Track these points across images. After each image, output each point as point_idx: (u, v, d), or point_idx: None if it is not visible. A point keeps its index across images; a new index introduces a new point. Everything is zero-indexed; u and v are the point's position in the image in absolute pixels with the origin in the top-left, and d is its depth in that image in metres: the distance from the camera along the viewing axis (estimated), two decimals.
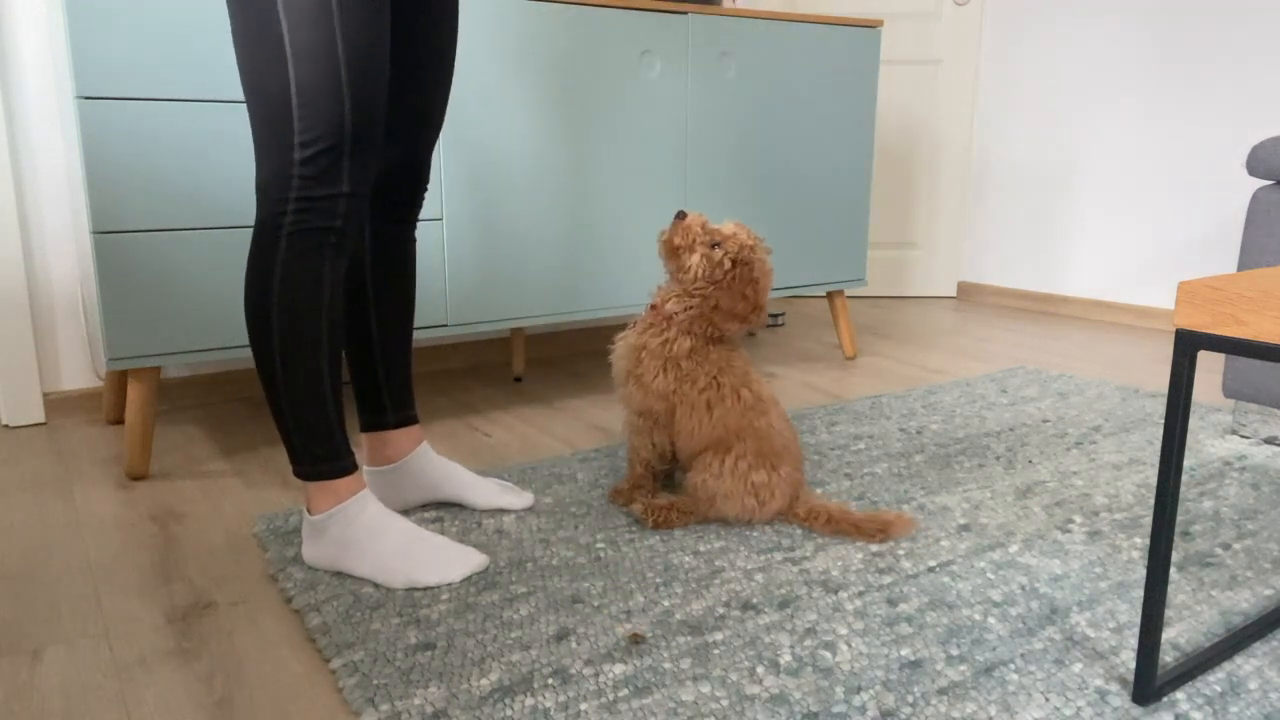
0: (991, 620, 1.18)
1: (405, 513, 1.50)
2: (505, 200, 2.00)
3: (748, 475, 1.41)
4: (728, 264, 1.45)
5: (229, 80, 1.65)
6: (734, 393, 1.45)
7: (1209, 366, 2.60)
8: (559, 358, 2.67)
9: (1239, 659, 1.09)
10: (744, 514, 1.43)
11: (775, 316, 3.18)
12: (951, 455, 1.80)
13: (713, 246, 1.46)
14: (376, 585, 1.26)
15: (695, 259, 1.45)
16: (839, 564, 1.33)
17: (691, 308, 1.47)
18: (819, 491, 1.61)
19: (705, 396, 1.44)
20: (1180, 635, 1.15)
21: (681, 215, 1.49)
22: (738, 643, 1.12)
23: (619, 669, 1.06)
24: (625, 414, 1.53)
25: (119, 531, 1.46)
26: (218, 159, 1.66)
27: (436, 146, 1.89)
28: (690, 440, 1.46)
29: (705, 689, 1.03)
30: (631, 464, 1.53)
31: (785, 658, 1.09)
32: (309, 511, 1.29)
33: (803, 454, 1.51)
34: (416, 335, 1.92)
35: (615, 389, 1.53)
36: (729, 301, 1.44)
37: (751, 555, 1.36)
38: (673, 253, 1.49)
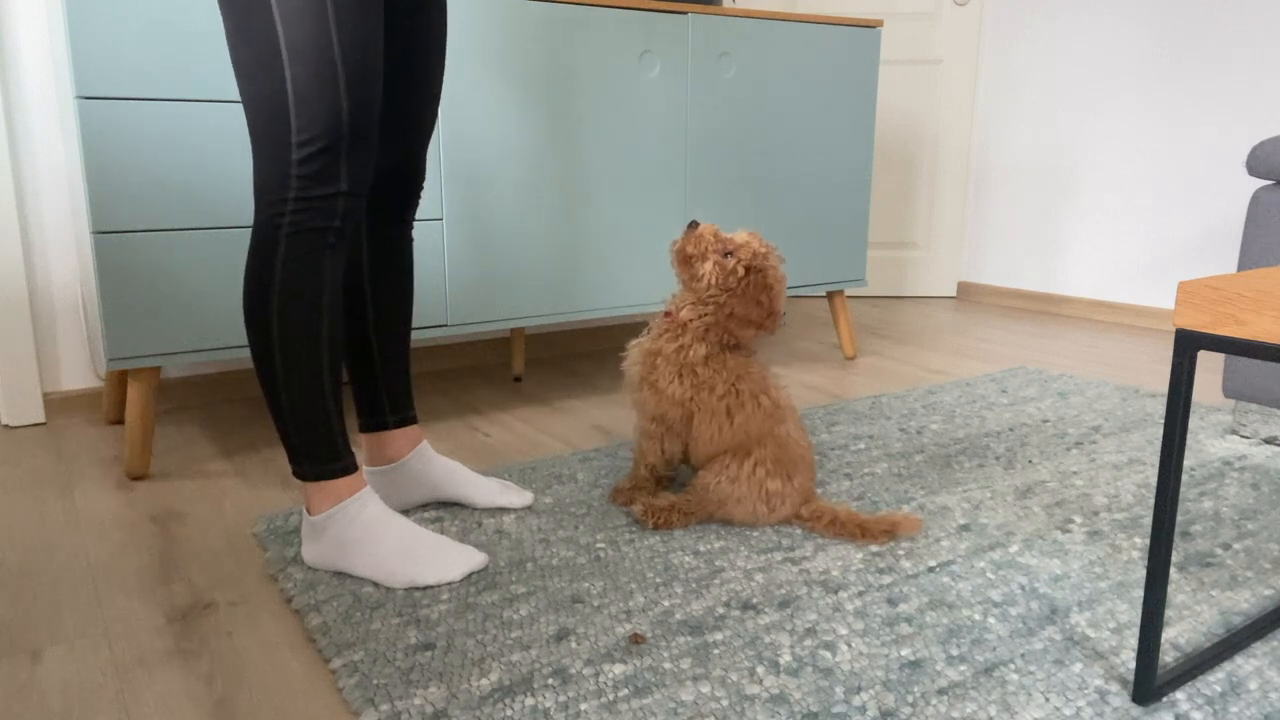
0: (991, 620, 1.18)
1: (405, 512, 1.50)
2: (505, 200, 2.00)
3: (764, 483, 1.42)
4: (740, 271, 1.45)
5: (229, 80, 1.65)
6: (753, 399, 1.45)
7: (1209, 366, 2.60)
8: (559, 358, 2.67)
9: (1239, 659, 1.09)
10: (752, 519, 1.44)
11: None
12: (951, 455, 1.80)
13: (725, 255, 1.46)
14: (376, 585, 1.26)
15: (708, 267, 1.46)
16: (839, 564, 1.33)
17: (706, 315, 1.47)
18: (818, 492, 1.60)
19: (725, 403, 1.45)
20: (1180, 635, 1.15)
21: (694, 225, 1.50)
22: (738, 643, 1.12)
23: (619, 669, 1.06)
24: (637, 419, 1.53)
25: (119, 531, 1.46)
26: (218, 159, 1.66)
27: (434, 146, 1.89)
28: (709, 445, 1.47)
29: (705, 689, 1.03)
30: (636, 465, 1.54)
31: (785, 658, 1.09)
32: (308, 512, 1.29)
33: (815, 463, 1.51)
34: (416, 335, 1.92)
35: (629, 394, 1.53)
36: (744, 309, 1.45)
37: (751, 555, 1.36)
38: (685, 261, 1.49)
